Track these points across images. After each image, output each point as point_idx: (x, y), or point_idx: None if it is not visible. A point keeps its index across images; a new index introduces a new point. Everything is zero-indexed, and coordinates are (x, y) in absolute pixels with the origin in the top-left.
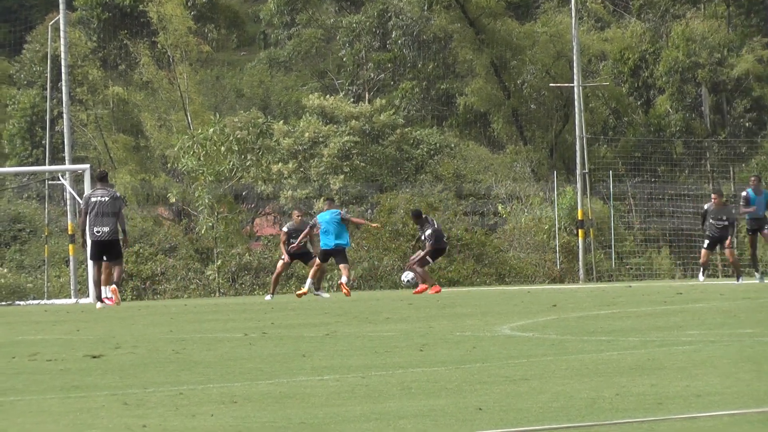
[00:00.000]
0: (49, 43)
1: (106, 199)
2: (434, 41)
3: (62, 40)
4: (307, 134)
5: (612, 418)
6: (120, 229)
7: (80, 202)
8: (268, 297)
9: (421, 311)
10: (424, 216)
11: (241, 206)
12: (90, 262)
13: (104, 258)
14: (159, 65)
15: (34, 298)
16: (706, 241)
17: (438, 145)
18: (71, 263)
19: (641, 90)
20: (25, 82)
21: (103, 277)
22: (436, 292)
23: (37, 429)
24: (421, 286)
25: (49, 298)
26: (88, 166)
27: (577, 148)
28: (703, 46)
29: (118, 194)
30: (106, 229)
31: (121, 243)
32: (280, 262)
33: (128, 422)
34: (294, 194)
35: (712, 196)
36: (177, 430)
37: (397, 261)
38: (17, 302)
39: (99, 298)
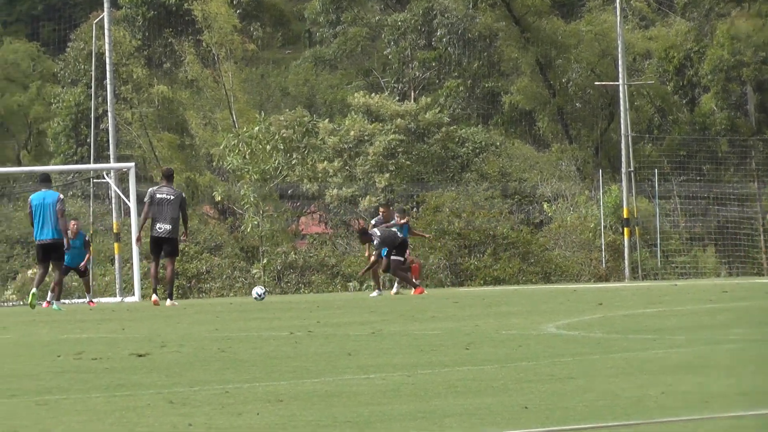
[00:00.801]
0: (93, 41)
1: (171, 197)
2: (479, 39)
3: (106, 38)
4: (352, 132)
5: (658, 417)
6: (182, 227)
7: (125, 200)
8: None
9: (466, 310)
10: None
11: (286, 204)
12: (135, 259)
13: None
14: (204, 63)
15: (79, 297)
16: None
17: (483, 143)
18: (116, 262)
19: (686, 88)
20: (70, 81)
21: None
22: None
23: (82, 428)
24: (416, 290)
25: (94, 296)
26: (133, 164)
27: (623, 146)
28: (747, 45)
29: (183, 194)
30: (168, 227)
31: (179, 240)
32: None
33: (174, 421)
34: (339, 193)
35: None
36: (223, 429)
37: (443, 260)
38: (62, 300)
39: (156, 291)
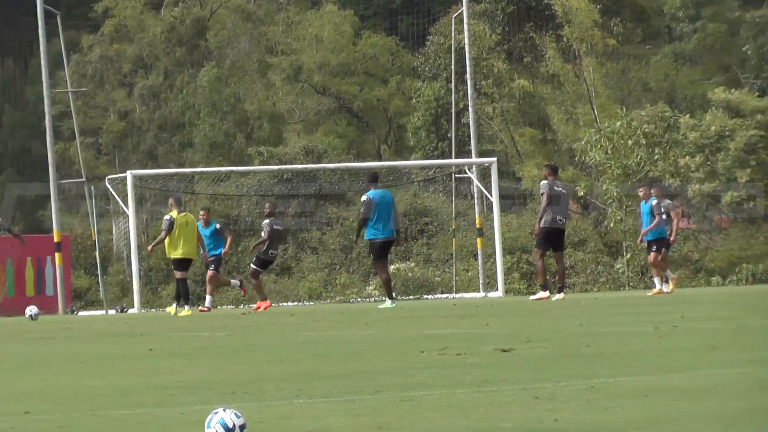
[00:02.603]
0: (453, 35)
1: (565, 191)
2: None
3: (466, 33)
4: (713, 128)
5: None
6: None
7: (488, 195)
8: None
9: None
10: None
11: None
12: (498, 255)
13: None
14: (565, 58)
15: (441, 292)
16: None
17: None
18: (479, 257)
19: None
20: (430, 75)
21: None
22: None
23: (446, 423)
24: (259, 303)
25: (457, 291)
26: (494, 159)
27: None
28: None
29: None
30: (565, 219)
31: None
32: None
33: (540, 416)
34: (702, 188)
35: None
36: (589, 424)
37: None
38: (425, 296)
39: (547, 287)
